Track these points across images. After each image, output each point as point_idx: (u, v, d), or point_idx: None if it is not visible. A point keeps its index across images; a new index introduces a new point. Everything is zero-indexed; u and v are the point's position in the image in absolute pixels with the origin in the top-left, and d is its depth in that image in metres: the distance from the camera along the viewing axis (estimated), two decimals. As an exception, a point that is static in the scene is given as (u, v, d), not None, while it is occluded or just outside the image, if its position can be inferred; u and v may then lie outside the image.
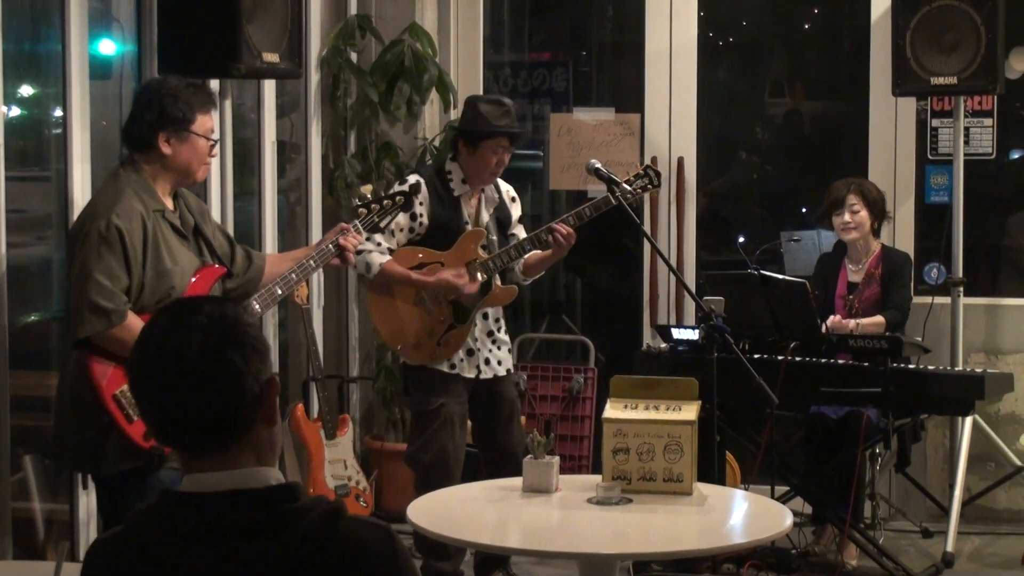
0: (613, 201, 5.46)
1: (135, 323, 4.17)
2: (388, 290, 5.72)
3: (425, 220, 5.67)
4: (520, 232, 5.89)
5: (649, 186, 5.75)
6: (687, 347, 6.14)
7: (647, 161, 7.23)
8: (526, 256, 5.79)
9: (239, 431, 2.25)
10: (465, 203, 5.72)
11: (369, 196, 4.98)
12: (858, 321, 6.31)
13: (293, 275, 4.70)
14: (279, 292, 4.68)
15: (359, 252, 5.49)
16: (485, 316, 5.78)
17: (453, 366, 5.69)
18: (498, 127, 5.63)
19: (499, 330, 5.83)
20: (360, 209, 4.95)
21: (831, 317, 6.36)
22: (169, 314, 2.30)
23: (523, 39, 8.55)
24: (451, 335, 5.68)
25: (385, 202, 4.98)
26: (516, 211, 5.93)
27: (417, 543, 5.63)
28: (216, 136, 4.59)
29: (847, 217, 6.47)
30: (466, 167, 5.71)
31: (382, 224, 5.04)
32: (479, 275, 5.64)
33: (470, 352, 5.72)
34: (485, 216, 5.77)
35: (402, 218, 5.53)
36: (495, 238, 5.77)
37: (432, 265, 5.65)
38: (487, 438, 5.84)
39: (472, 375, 5.72)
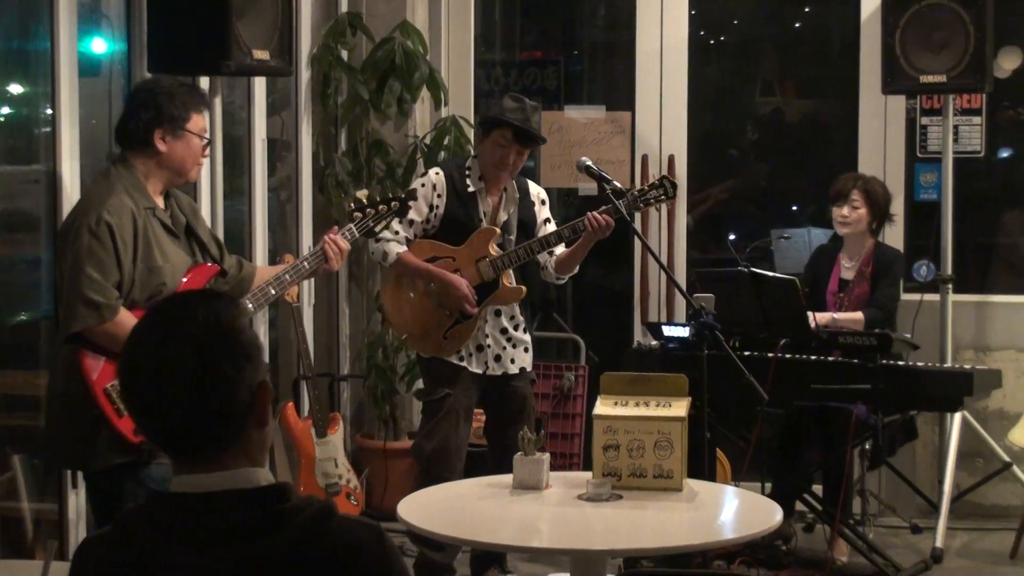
0: (624, 212, 5.42)
1: (126, 318, 4.15)
2: (401, 280, 5.73)
3: (441, 212, 5.67)
4: (548, 231, 5.81)
5: (663, 196, 5.65)
6: (678, 344, 6.11)
7: (638, 159, 7.26)
8: (557, 254, 5.76)
9: (231, 437, 2.23)
10: (481, 200, 5.71)
11: (365, 200, 4.96)
12: (834, 315, 6.29)
13: (287, 276, 4.69)
14: (272, 292, 4.65)
15: (377, 240, 5.50)
16: (497, 313, 5.76)
17: (462, 359, 5.71)
18: (504, 117, 5.61)
19: (516, 328, 5.81)
20: (356, 213, 4.92)
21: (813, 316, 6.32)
22: (161, 318, 2.26)
23: (514, 38, 8.53)
24: (457, 329, 5.69)
25: (381, 207, 4.95)
26: (544, 213, 5.88)
27: (414, 538, 5.61)
28: (208, 136, 4.57)
29: (845, 211, 6.44)
30: (481, 161, 5.71)
31: (377, 229, 5.00)
32: (488, 271, 5.62)
33: (480, 348, 5.72)
34: (503, 215, 5.74)
35: (421, 205, 5.56)
36: (513, 237, 5.74)
37: (444, 260, 5.66)
38: (495, 435, 5.84)
39: (479, 370, 5.72)
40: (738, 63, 8.47)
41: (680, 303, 7.28)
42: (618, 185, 5.59)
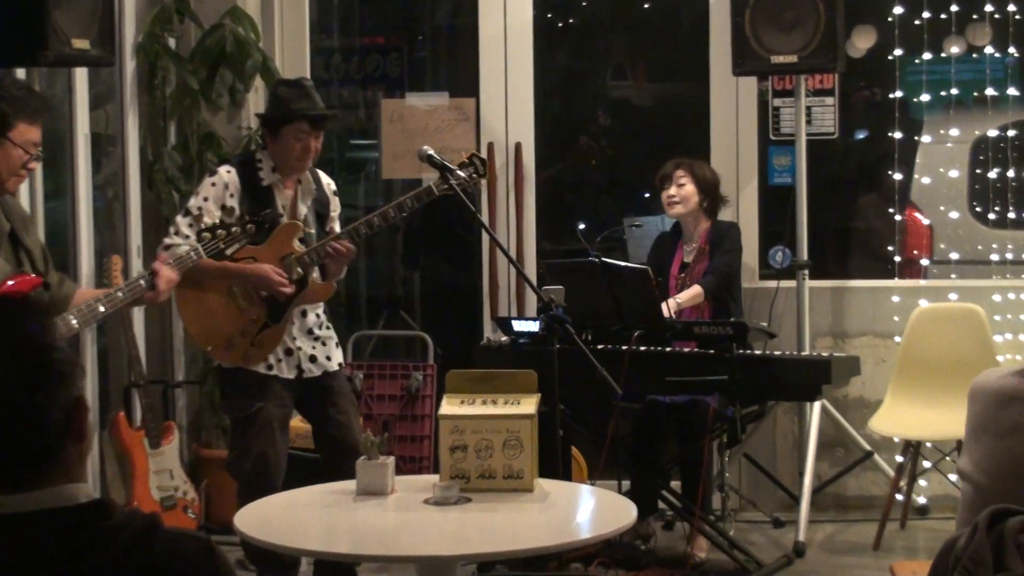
0: (436, 192, 5.48)
1: None
2: (198, 286, 5.57)
3: (236, 213, 5.56)
4: (336, 227, 5.83)
5: (475, 175, 5.71)
6: (528, 339, 6.16)
7: (484, 147, 7.29)
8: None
9: (46, 459, 2.19)
10: (278, 193, 5.65)
11: (218, 220, 4.90)
12: (676, 299, 6.39)
13: (120, 293, 4.61)
14: (101, 309, 4.56)
15: (167, 247, 5.41)
16: (304, 314, 5.70)
17: (270, 367, 5.61)
18: (295, 110, 5.58)
19: (320, 327, 5.76)
20: (204, 234, 4.86)
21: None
22: None
23: (354, 22, 8.51)
24: (265, 335, 5.60)
25: (234, 229, 4.89)
26: (336, 205, 5.89)
27: (248, 553, 5.56)
28: (38, 152, 4.45)
29: (672, 190, 6.58)
30: (275, 155, 5.65)
31: (228, 251, 4.94)
32: (296, 270, 5.56)
33: (289, 352, 5.64)
34: (303, 208, 5.70)
35: (212, 207, 5.47)
36: (313, 231, 5.70)
37: (245, 260, 5.53)
38: (325, 437, 5.76)
39: (292, 376, 5.65)
40: (587, 46, 8.54)
41: (531, 297, 7.31)
42: (462, 175, 5.60)
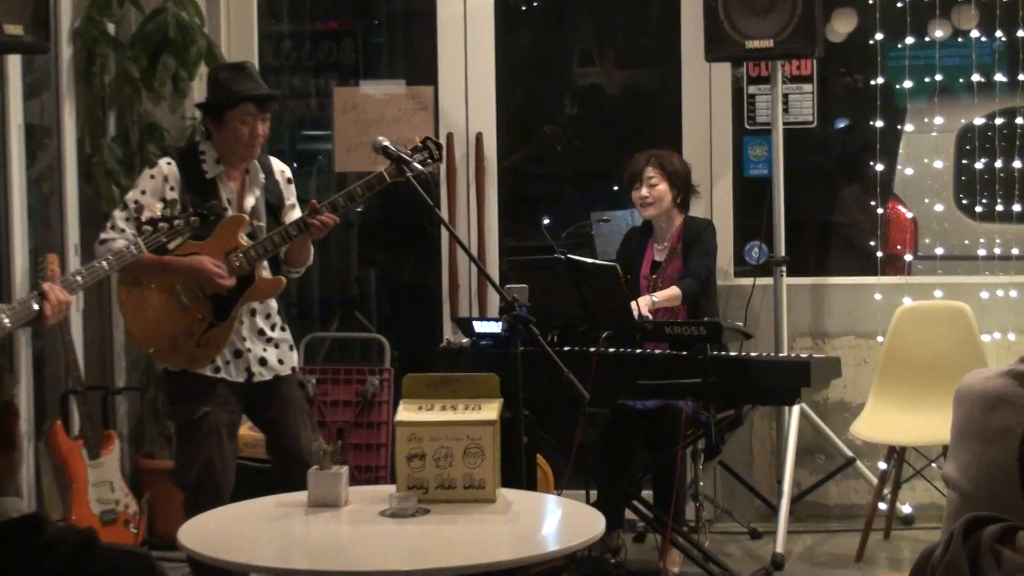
0: (387, 178, 5.46)
1: None
2: (139, 285, 5.55)
3: (179, 204, 5.52)
4: (296, 215, 5.79)
5: (429, 160, 5.69)
6: (490, 341, 6.15)
7: (443, 137, 7.29)
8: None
9: None
10: (223, 186, 5.62)
11: (159, 213, 4.87)
12: (653, 297, 6.37)
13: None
14: (35, 307, 4.51)
15: (103, 242, 5.39)
16: (253, 313, 5.68)
17: (217, 369, 5.58)
18: (238, 92, 5.55)
19: (273, 328, 5.73)
20: (145, 227, 4.83)
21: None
22: None
23: (305, 6, 8.49)
24: (212, 334, 5.56)
25: (177, 222, 4.86)
26: (291, 193, 5.86)
27: (194, 570, 5.53)
28: None
29: (644, 191, 6.56)
30: (220, 145, 5.61)
31: (171, 246, 4.92)
32: (242, 264, 5.53)
33: (238, 354, 5.62)
34: (250, 200, 5.67)
35: (151, 200, 5.42)
36: (263, 224, 5.67)
37: (188, 257, 5.51)
38: (275, 446, 5.75)
39: (241, 379, 5.62)
40: (553, 31, 8.54)
41: (493, 296, 7.31)
42: (419, 167, 5.58)
